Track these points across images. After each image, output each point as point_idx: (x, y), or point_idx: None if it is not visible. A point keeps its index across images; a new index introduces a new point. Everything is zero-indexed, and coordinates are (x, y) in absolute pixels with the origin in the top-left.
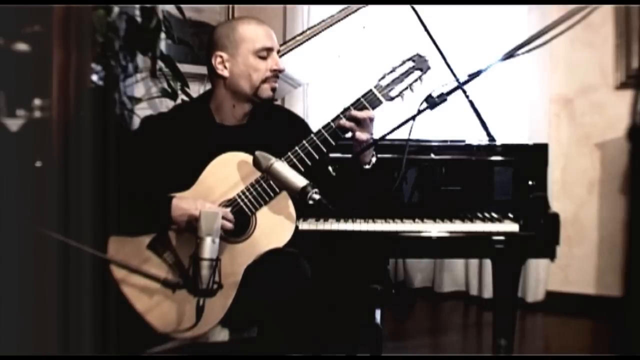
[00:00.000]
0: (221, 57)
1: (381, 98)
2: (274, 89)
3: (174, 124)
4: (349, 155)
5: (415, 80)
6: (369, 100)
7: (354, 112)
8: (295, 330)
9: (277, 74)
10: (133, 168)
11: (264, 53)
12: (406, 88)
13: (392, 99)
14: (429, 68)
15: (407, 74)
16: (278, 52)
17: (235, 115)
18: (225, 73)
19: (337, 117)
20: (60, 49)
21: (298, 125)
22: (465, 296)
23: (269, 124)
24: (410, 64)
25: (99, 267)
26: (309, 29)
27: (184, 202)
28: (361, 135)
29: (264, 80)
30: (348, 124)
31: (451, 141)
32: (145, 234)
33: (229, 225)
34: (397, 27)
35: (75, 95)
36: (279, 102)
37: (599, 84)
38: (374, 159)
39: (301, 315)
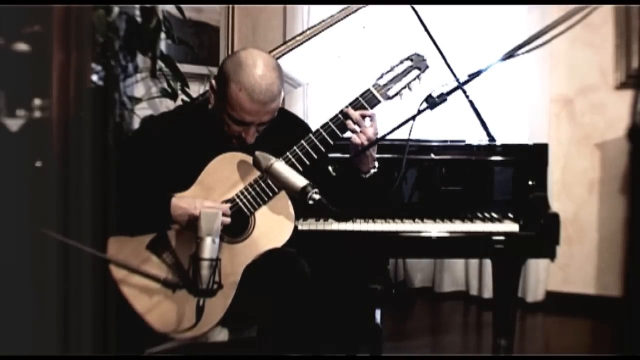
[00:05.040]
0: (213, 89)
1: (379, 97)
2: (249, 140)
3: (175, 125)
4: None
5: (414, 79)
6: (367, 99)
7: (349, 111)
8: (294, 330)
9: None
10: (133, 168)
11: (237, 122)
12: (404, 87)
13: (390, 98)
14: (427, 67)
15: (405, 73)
16: (262, 124)
17: None
18: (211, 100)
19: (335, 117)
20: (60, 49)
21: (299, 129)
22: (465, 296)
23: (269, 129)
24: (408, 63)
25: (99, 267)
26: (309, 29)
27: (183, 202)
28: (356, 138)
29: (233, 135)
30: (350, 123)
31: (451, 141)
32: (145, 233)
33: (227, 220)
34: (397, 27)
35: (75, 95)
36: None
37: (599, 84)
38: (373, 170)
39: (301, 315)
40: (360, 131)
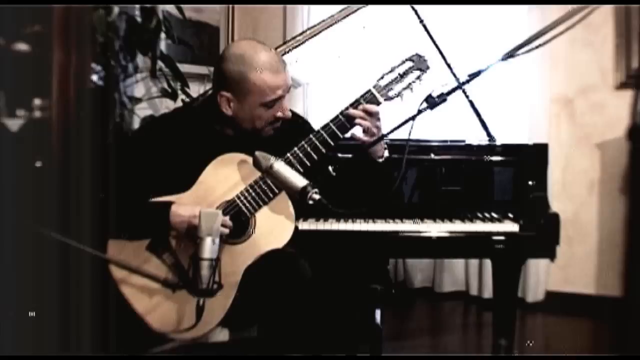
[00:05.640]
0: (227, 98)
1: (380, 98)
2: (276, 129)
3: (173, 128)
4: (350, 155)
5: (415, 80)
6: (368, 100)
7: (352, 111)
8: (295, 330)
9: (281, 119)
10: (131, 172)
11: (272, 103)
12: (405, 88)
13: (390, 98)
14: (428, 68)
15: (406, 73)
16: (289, 90)
17: (235, 131)
18: (229, 112)
19: (336, 118)
20: (60, 49)
21: (301, 127)
22: (465, 296)
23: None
24: (409, 63)
25: (99, 267)
26: (309, 29)
27: (182, 209)
28: (366, 132)
29: (268, 124)
30: (357, 113)
31: (451, 141)
32: (143, 239)
33: (226, 231)
34: (397, 27)
35: (75, 95)
36: None
37: (599, 84)
38: (386, 152)
39: (301, 316)
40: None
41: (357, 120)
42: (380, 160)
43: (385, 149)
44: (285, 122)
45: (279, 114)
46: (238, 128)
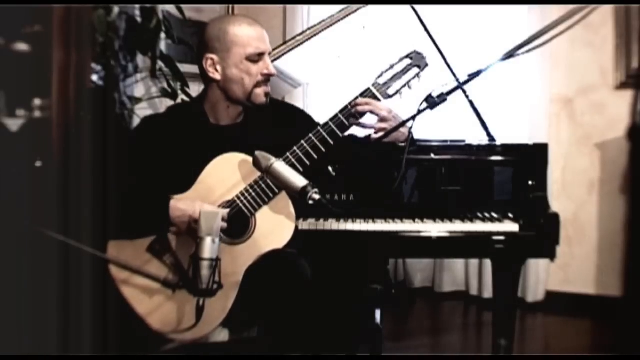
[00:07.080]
0: (212, 59)
1: (379, 96)
2: (267, 94)
3: (167, 125)
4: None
5: (414, 78)
6: (367, 98)
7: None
8: (295, 331)
9: (268, 77)
10: (129, 170)
11: (256, 57)
12: (404, 85)
13: (390, 96)
14: (426, 65)
15: (404, 71)
16: (270, 53)
17: (230, 115)
18: (217, 76)
19: (335, 117)
20: (60, 49)
21: (299, 119)
22: (465, 296)
23: (265, 121)
24: (407, 61)
25: (99, 268)
26: (309, 29)
27: (181, 204)
28: (381, 124)
29: (257, 85)
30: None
31: (451, 141)
32: (143, 236)
33: (224, 225)
34: (397, 27)
35: (75, 95)
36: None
37: (599, 84)
38: (411, 136)
39: (301, 316)
40: (379, 117)
41: (360, 108)
42: (402, 144)
43: (411, 134)
44: (281, 114)
45: (265, 70)
46: (231, 103)
